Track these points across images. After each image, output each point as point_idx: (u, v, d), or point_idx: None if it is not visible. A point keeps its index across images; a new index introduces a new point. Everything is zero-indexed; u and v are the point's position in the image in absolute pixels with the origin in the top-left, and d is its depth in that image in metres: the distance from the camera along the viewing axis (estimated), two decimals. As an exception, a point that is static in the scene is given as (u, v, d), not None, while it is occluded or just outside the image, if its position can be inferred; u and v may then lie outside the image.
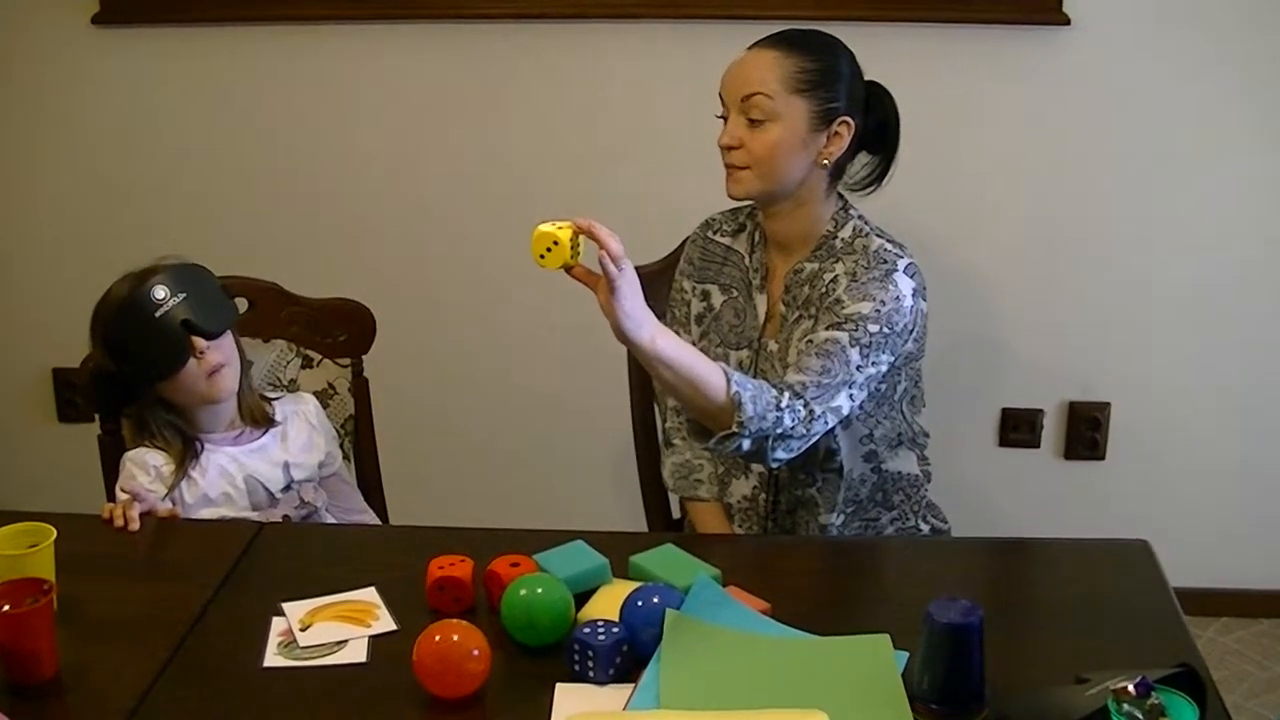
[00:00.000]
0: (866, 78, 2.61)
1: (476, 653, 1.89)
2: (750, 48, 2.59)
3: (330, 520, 2.69)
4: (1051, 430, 3.80)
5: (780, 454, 2.41)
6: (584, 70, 3.65)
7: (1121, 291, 3.65)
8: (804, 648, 2.00)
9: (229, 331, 2.61)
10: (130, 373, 2.56)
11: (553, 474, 3.95)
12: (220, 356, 2.56)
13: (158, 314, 2.50)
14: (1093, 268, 3.64)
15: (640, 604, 1.98)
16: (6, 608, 1.98)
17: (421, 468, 3.67)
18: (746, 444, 2.36)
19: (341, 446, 2.87)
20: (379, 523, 2.86)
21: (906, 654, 1.94)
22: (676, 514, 3.05)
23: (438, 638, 1.90)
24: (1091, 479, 3.82)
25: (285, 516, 2.62)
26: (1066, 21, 3.42)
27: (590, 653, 1.91)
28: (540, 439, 3.94)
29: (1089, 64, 3.48)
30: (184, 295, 2.52)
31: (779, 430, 2.37)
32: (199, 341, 2.52)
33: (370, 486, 2.95)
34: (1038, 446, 3.81)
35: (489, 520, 2.50)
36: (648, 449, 3.02)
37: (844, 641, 2.00)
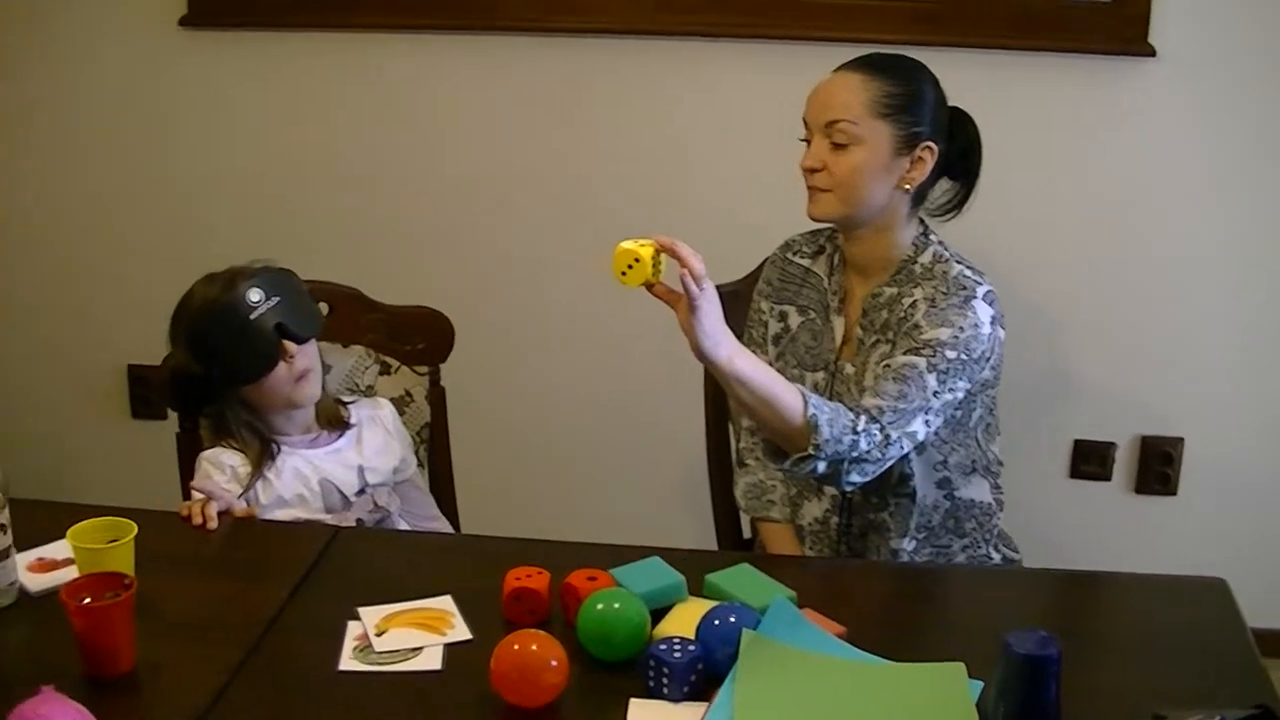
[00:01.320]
0: (949, 103, 2.62)
1: (554, 663, 1.89)
2: (835, 71, 2.59)
3: (403, 526, 2.70)
4: (1123, 464, 3.77)
5: (854, 477, 2.41)
6: (669, 88, 3.66)
7: (1198, 326, 3.63)
8: (879, 673, 1.99)
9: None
10: (219, 374, 2.58)
11: (622, 490, 3.95)
12: (307, 361, 2.58)
13: (252, 317, 2.51)
14: (1170, 301, 3.62)
15: (717, 623, 1.98)
16: (87, 600, 1.99)
17: (493, 478, 3.68)
18: (822, 466, 2.36)
19: (416, 454, 2.88)
20: (451, 530, 2.87)
21: (981, 684, 1.93)
22: (747, 534, 3.04)
23: (516, 647, 1.90)
24: (1162, 514, 3.79)
25: (359, 520, 2.63)
26: (1152, 53, 3.40)
27: (665, 669, 1.91)
28: (612, 454, 3.95)
29: (1172, 96, 3.45)
30: (278, 299, 2.54)
31: (854, 454, 2.36)
32: (289, 346, 2.55)
33: (443, 494, 2.96)
34: (1109, 479, 3.78)
35: (557, 532, 2.50)
36: (720, 468, 3.02)
37: (919, 668, 1.99)
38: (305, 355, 2.58)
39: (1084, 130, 3.53)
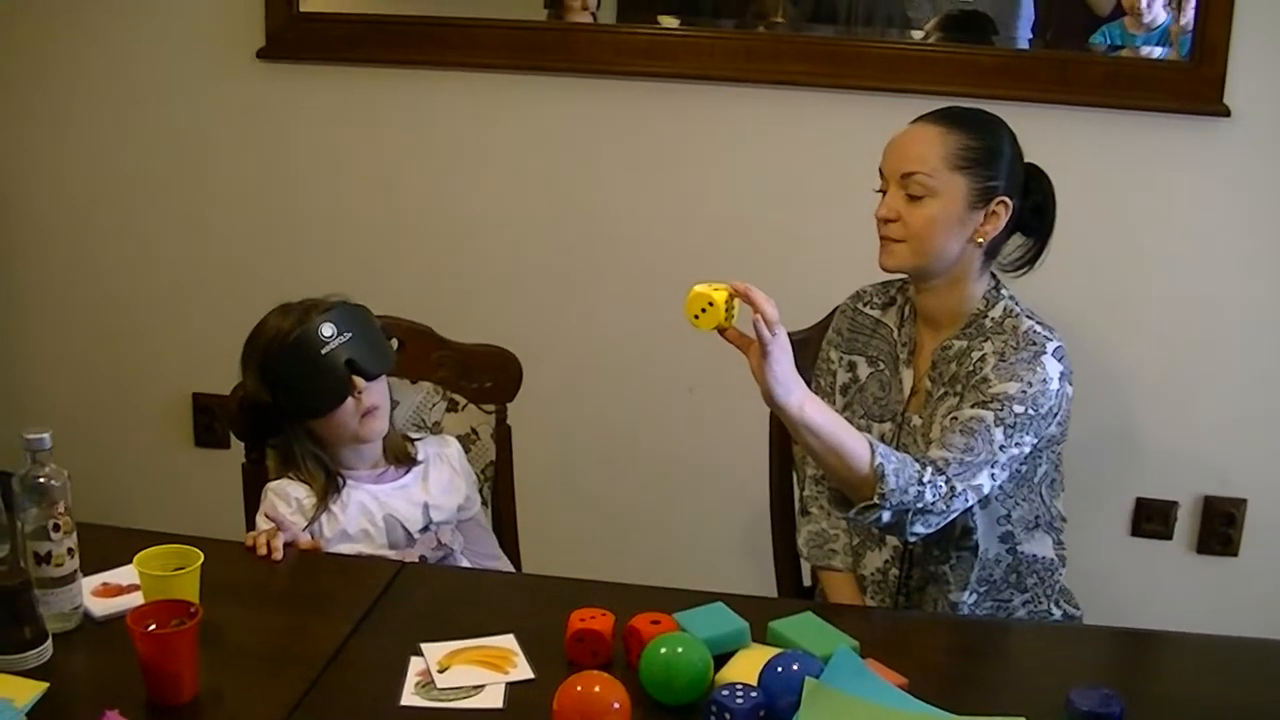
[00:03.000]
0: (1025, 159, 2.61)
1: (617, 706, 1.89)
2: (913, 122, 2.60)
3: (465, 564, 2.70)
4: (1185, 523, 3.74)
5: (919, 528, 2.40)
6: (746, 134, 3.67)
7: (1264, 387, 3.60)
8: (941, 727, 1.98)
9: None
10: (287, 406, 2.60)
11: (683, 534, 3.94)
12: (375, 398, 2.60)
13: (323, 351, 2.53)
14: (1236, 362, 3.59)
15: (780, 670, 1.97)
16: (153, 627, 2.00)
17: (555, 518, 3.68)
18: (887, 516, 2.36)
19: (480, 492, 2.89)
20: (513, 569, 2.86)
21: (1042, 740, 1.93)
22: (807, 581, 3.03)
23: (579, 688, 1.90)
24: (1223, 575, 3.75)
25: (422, 557, 2.63)
26: (1226, 113, 3.39)
27: (727, 715, 1.90)
28: (673, 499, 3.94)
29: (1246, 157, 3.44)
30: (350, 335, 2.56)
31: (920, 505, 2.36)
32: (358, 381, 2.56)
33: (505, 533, 2.96)
34: (1170, 538, 3.75)
35: (616, 575, 2.50)
36: (783, 515, 3.01)
37: (981, 723, 1.98)
38: (373, 392, 2.59)
39: (1157, 189, 3.52)
